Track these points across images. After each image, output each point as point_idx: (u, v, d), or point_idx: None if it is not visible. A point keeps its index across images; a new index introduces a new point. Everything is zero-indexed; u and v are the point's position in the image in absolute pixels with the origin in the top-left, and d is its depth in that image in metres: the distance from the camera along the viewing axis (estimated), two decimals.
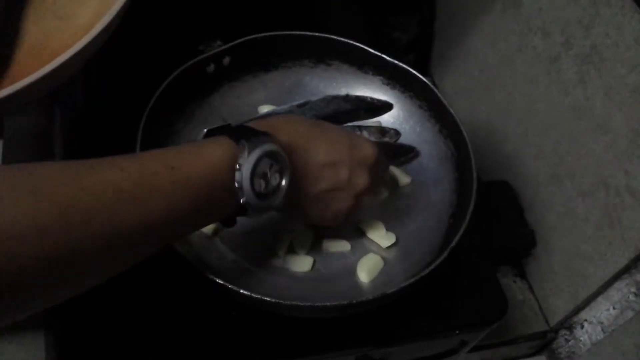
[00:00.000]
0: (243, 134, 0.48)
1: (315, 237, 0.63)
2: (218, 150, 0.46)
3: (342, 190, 0.55)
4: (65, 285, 0.38)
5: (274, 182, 0.48)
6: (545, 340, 0.82)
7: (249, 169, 0.46)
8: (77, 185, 0.37)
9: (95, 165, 0.40)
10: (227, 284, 0.52)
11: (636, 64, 0.62)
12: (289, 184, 0.49)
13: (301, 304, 0.52)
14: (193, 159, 0.44)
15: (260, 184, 0.47)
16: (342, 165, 0.54)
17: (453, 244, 0.57)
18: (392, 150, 0.68)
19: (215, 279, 0.52)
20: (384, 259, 0.62)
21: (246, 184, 0.46)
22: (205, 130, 0.51)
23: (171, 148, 0.46)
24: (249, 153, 0.46)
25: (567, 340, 0.80)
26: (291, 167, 0.50)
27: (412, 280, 0.54)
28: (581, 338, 0.78)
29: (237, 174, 0.46)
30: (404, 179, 0.67)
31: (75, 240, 0.36)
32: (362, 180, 0.55)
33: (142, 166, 0.41)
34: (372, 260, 0.62)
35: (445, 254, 0.56)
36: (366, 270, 0.61)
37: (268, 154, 0.47)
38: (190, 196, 0.43)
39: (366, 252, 0.62)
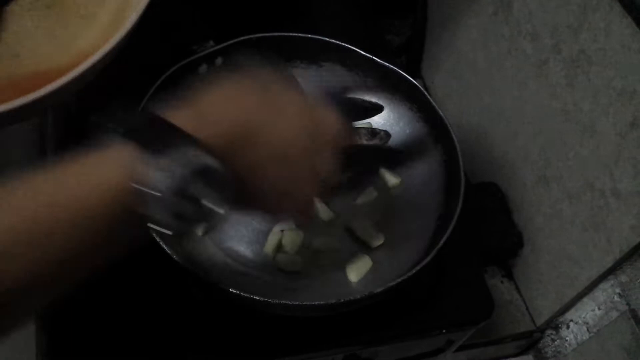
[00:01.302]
0: (146, 135, 0.34)
1: (305, 236, 0.63)
2: (112, 168, 0.34)
3: (305, 183, 0.43)
4: None
5: (209, 203, 0.35)
6: (531, 339, 0.83)
7: (165, 196, 0.33)
8: None
9: None
10: (217, 283, 0.52)
11: (623, 68, 0.63)
12: (233, 198, 0.37)
13: (290, 302, 0.53)
14: (77, 189, 0.33)
15: (188, 209, 0.34)
16: (299, 154, 0.41)
17: (440, 244, 0.57)
18: (382, 153, 0.69)
19: (204, 277, 0.53)
20: (372, 259, 0.63)
21: (164, 215, 0.33)
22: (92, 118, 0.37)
23: (50, 171, 0.34)
24: (159, 172, 0.33)
25: (553, 340, 0.81)
26: (232, 169, 0.36)
27: (399, 279, 0.55)
28: (567, 338, 0.79)
29: (149, 202, 0.33)
30: (393, 180, 0.67)
31: None
32: (327, 166, 0.44)
33: (13, 211, 0.32)
34: (361, 260, 0.62)
35: (432, 254, 0.57)
36: (355, 270, 0.62)
37: (194, 173, 0.34)
38: (78, 236, 0.33)
39: (355, 251, 0.63)
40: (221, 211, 0.36)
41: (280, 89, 0.43)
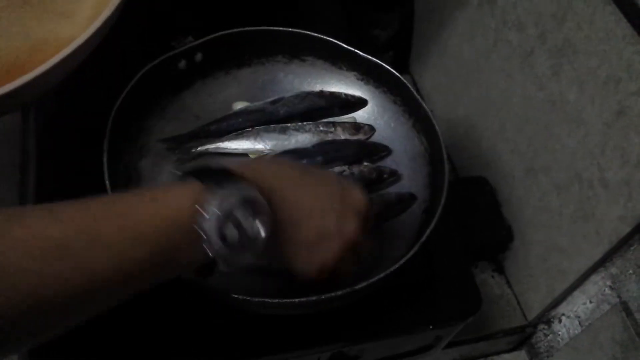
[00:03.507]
0: (215, 177, 0.43)
1: None
2: (183, 195, 0.41)
3: (329, 239, 0.49)
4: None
5: (250, 231, 0.42)
6: (524, 335, 0.82)
7: (217, 217, 0.40)
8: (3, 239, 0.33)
9: (28, 213, 0.36)
10: (197, 281, 0.51)
11: (607, 56, 0.62)
12: (270, 232, 0.43)
13: (269, 300, 0.52)
14: (148, 206, 0.39)
15: (233, 234, 0.41)
16: (331, 211, 0.49)
17: (423, 238, 0.56)
18: (365, 149, 0.68)
19: (185, 277, 0.52)
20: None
21: (213, 234, 0.40)
22: (180, 173, 0.47)
23: (130, 192, 0.42)
24: (220, 199, 0.40)
25: (545, 335, 0.80)
26: (272, 214, 0.44)
27: (382, 275, 0.54)
28: (559, 332, 0.78)
29: (203, 223, 0.40)
30: None
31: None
32: (351, 227, 0.49)
33: (85, 214, 0.37)
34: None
35: (416, 248, 0.56)
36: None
37: (243, 201, 0.41)
38: (143, 248, 0.38)
39: None
40: (261, 238, 0.43)
41: (321, 171, 0.55)
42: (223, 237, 0.41)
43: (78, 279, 0.35)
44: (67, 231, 0.35)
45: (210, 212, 0.40)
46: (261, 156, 0.64)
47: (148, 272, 0.39)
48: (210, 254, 0.41)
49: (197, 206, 0.40)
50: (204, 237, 0.40)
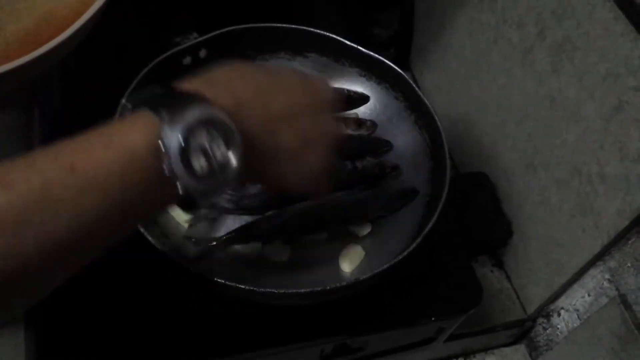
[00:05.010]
0: (168, 101, 0.37)
1: None
2: (136, 130, 0.36)
3: (314, 141, 0.45)
4: None
5: (219, 155, 0.37)
6: (523, 328, 0.83)
7: (179, 147, 0.35)
8: None
9: None
10: (202, 273, 0.52)
11: (606, 52, 0.63)
12: (242, 152, 0.39)
13: (275, 290, 0.53)
14: (100, 152, 0.35)
15: (200, 162, 0.36)
16: (305, 109, 0.45)
17: (425, 231, 0.57)
18: (368, 144, 0.69)
19: (189, 268, 0.53)
20: (364, 248, 0.63)
21: (178, 167, 0.36)
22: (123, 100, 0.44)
23: (79, 138, 0.36)
24: (179, 126, 0.35)
25: (544, 329, 0.81)
26: (240, 130, 0.39)
27: (385, 267, 0.55)
28: (558, 326, 0.79)
29: (165, 158, 0.36)
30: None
31: None
32: (329, 121, 0.46)
33: (34, 174, 0.32)
34: (353, 250, 0.62)
35: (418, 240, 0.57)
36: (348, 260, 0.62)
37: (202, 123, 0.36)
38: (104, 202, 0.34)
39: (343, 240, 0.63)
40: (233, 163, 0.38)
41: (274, 67, 0.50)
42: (190, 169, 0.36)
43: (37, 250, 0.32)
44: (15, 200, 0.31)
45: (170, 143, 0.35)
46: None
47: (115, 222, 0.36)
48: (180, 191, 0.37)
49: (154, 139, 0.35)
50: (168, 172, 0.36)
